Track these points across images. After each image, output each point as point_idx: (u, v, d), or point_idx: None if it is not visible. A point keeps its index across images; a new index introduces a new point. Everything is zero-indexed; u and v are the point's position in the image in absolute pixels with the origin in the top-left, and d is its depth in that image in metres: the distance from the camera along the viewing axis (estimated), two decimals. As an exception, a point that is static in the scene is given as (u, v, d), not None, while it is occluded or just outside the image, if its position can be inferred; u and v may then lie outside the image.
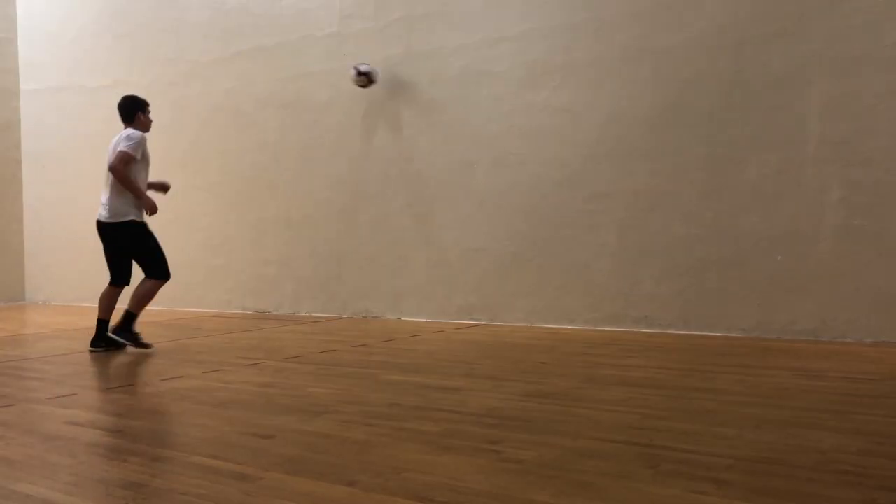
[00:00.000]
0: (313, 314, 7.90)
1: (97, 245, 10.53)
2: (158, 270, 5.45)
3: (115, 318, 5.49)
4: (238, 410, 3.61)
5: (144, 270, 5.48)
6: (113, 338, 5.41)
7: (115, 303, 5.50)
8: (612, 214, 6.19)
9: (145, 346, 5.42)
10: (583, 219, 6.32)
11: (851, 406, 3.30)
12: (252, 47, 8.30)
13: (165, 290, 9.02)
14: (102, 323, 5.45)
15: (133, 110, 5.59)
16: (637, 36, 6.05)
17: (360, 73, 7.01)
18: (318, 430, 3.06)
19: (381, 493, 2.26)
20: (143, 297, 5.47)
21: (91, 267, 9.80)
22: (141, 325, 5.63)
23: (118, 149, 5.29)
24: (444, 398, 3.64)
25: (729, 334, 5.64)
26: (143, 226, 5.43)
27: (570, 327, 6.32)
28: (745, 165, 5.63)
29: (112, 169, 5.24)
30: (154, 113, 9.40)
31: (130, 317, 5.46)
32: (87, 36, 9.75)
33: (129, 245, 5.41)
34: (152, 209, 5.37)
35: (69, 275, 10.01)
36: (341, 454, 2.70)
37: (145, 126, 5.59)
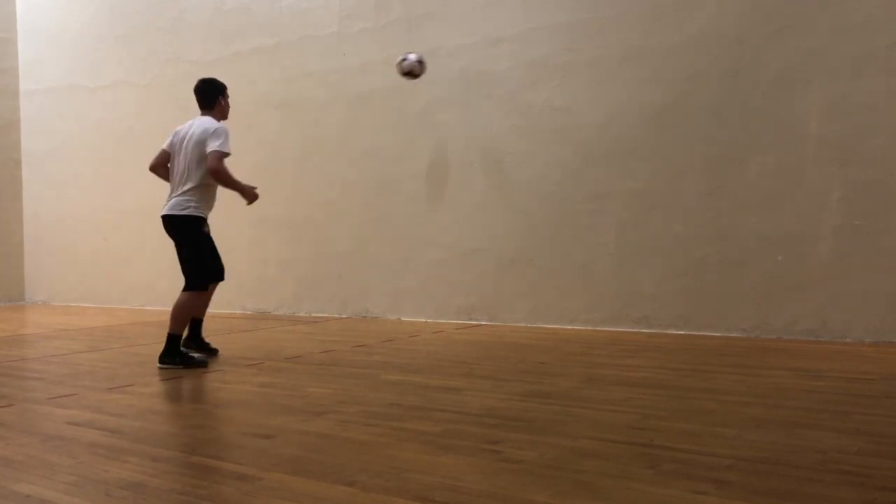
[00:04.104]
0: (313, 314, 7.90)
1: (97, 245, 10.48)
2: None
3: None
4: (238, 410, 3.60)
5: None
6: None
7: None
8: (611, 214, 6.19)
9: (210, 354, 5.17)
10: (583, 219, 6.32)
11: (851, 406, 3.30)
12: (252, 47, 8.30)
13: (166, 291, 9.07)
14: (197, 323, 5.23)
15: (214, 95, 5.10)
16: (637, 36, 6.05)
17: (410, 72, 6.62)
18: (318, 430, 3.06)
19: (381, 493, 2.26)
20: (176, 311, 4.92)
21: (91, 267, 9.83)
22: (141, 325, 5.62)
23: (212, 148, 4.81)
24: (444, 398, 3.64)
25: (729, 334, 5.64)
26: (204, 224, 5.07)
27: (570, 327, 6.32)
28: (745, 165, 5.63)
29: (214, 172, 4.83)
30: (154, 113, 9.34)
31: (172, 339, 4.92)
32: (87, 36, 9.75)
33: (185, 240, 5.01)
34: (254, 198, 5.11)
35: (69, 275, 10.02)
36: (341, 454, 2.70)
37: (224, 112, 5.16)
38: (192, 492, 2.33)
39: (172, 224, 4.99)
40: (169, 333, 4.85)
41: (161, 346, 4.82)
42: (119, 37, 9.45)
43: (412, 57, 6.64)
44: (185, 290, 4.95)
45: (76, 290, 9.95)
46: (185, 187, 4.94)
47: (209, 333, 5.64)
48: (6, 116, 10.36)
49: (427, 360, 4.83)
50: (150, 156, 5.20)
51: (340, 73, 7.67)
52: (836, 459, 2.50)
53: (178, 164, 5.01)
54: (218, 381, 4.35)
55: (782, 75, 5.49)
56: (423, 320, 7.11)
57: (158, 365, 4.82)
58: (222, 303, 8.54)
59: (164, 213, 5.03)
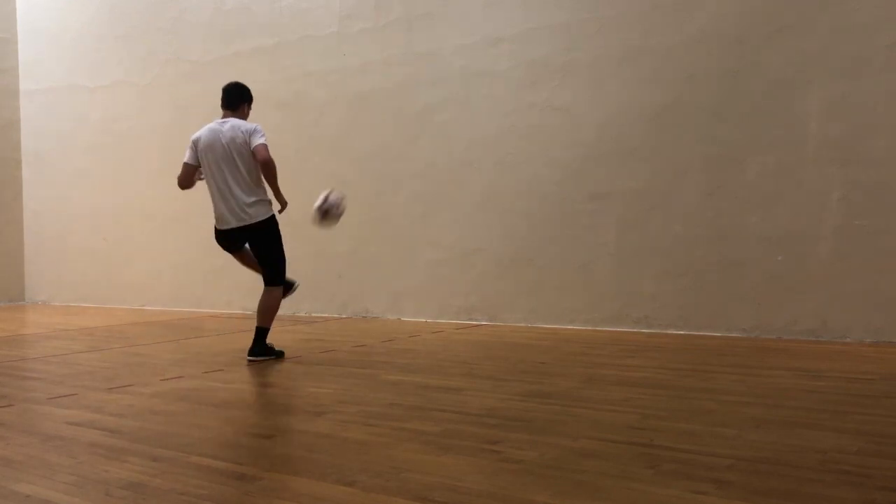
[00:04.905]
0: (313, 314, 7.90)
1: (97, 245, 10.47)
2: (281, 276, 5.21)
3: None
4: (238, 410, 3.60)
5: (266, 273, 5.20)
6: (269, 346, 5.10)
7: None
8: (612, 214, 6.19)
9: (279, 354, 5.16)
10: (583, 219, 6.32)
11: (851, 406, 3.30)
12: (252, 47, 8.30)
13: (166, 291, 9.08)
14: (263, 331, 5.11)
15: (242, 100, 5.10)
16: (637, 36, 6.05)
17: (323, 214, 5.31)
18: (318, 430, 3.05)
19: (380, 493, 2.26)
20: (270, 309, 5.12)
21: (91, 267, 9.83)
22: (141, 325, 5.61)
23: (258, 142, 4.86)
24: (444, 398, 3.64)
25: (729, 334, 5.64)
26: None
27: (570, 327, 6.32)
28: (745, 165, 5.63)
29: (266, 163, 4.87)
30: (154, 113, 9.34)
31: (263, 333, 5.06)
32: (87, 36, 9.75)
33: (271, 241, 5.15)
34: (285, 205, 5.18)
35: (69, 275, 10.01)
36: (341, 454, 2.70)
37: (245, 119, 5.13)
38: (192, 492, 2.33)
39: (258, 230, 5.05)
40: (259, 327, 5.03)
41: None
42: (119, 37, 9.44)
43: (333, 199, 5.32)
44: (270, 285, 5.17)
45: (76, 290, 9.94)
46: (257, 194, 5.01)
47: (211, 333, 5.64)
48: (6, 116, 10.36)
49: (427, 360, 4.83)
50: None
51: (340, 73, 7.67)
52: (836, 459, 2.50)
53: (228, 171, 4.94)
54: (218, 381, 4.35)
55: (782, 75, 5.49)
56: (423, 320, 7.11)
57: (248, 358, 4.97)
58: (222, 303, 8.56)
59: (243, 224, 5.00)
